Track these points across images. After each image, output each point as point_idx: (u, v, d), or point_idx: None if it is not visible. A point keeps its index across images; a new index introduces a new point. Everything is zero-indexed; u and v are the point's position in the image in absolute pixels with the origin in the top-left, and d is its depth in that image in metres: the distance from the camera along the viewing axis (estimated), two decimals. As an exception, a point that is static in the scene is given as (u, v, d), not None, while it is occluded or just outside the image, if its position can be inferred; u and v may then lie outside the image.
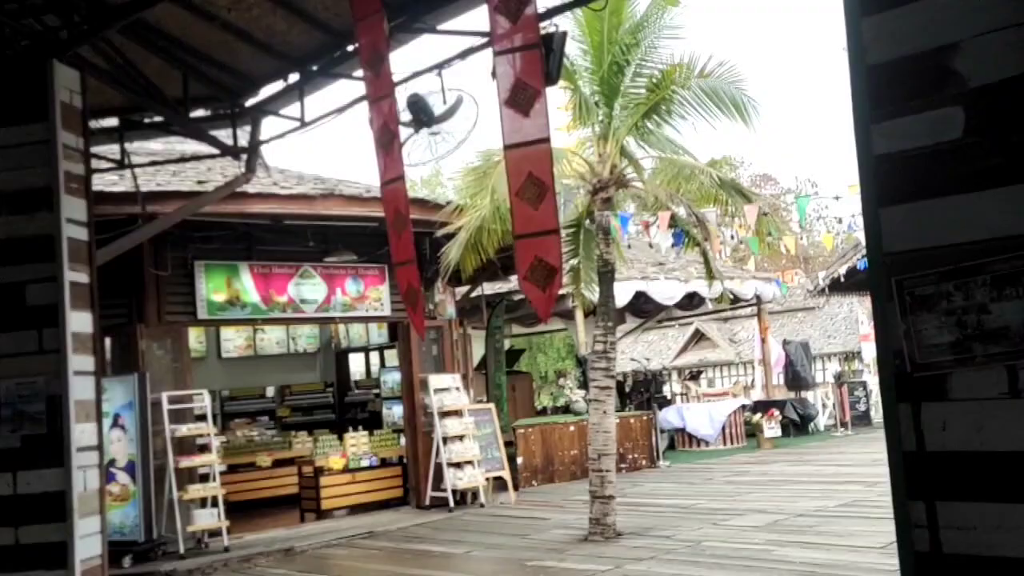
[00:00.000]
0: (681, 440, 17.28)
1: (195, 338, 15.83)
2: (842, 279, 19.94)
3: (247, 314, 10.60)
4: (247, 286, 10.58)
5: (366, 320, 12.53)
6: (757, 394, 25.48)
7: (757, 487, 11.26)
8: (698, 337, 39.51)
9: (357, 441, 11.50)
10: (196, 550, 9.40)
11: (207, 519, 9.27)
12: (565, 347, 33.34)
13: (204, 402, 9.73)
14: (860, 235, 12.14)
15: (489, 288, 17.51)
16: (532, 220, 4.64)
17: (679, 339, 39.98)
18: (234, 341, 16.37)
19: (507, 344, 22.22)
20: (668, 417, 17.26)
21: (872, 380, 24.94)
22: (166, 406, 9.37)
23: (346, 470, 11.32)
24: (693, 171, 8.70)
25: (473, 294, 16.93)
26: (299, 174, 11.40)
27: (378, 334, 15.79)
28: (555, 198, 5.02)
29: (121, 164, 7.76)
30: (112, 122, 7.65)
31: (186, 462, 9.32)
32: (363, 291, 11.56)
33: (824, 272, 20.52)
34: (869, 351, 33.74)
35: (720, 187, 8.77)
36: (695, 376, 23.06)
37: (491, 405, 12.44)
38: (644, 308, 20.79)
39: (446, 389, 11.64)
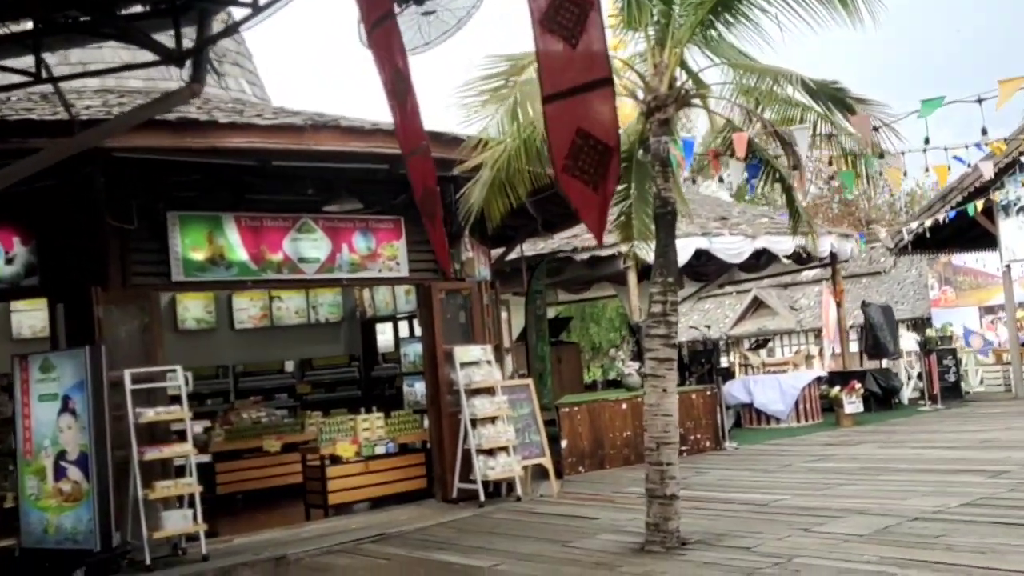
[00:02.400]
0: (748, 417, 15.34)
1: (203, 307, 14.39)
2: (927, 234, 17.72)
3: (233, 275, 8.91)
4: (233, 242, 8.89)
5: (379, 282, 10.81)
6: (819, 365, 23.36)
7: (848, 477, 9.32)
8: (756, 305, 37.44)
9: (371, 424, 9.81)
10: (170, 558, 7.80)
11: (178, 522, 7.66)
12: (619, 316, 31.35)
13: (178, 381, 8.09)
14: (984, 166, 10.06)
15: (530, 249, 15.71)
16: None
17: (736, 307, 37.94)
18: (248, 311, 14.81)
19: (551, 312, 20.44)
20: (733, 391, 15.32)
21: (962, 348, 22.63)
22: (129, 386, 7.75)
23: (358, 458, 9.64)
24: (777, 78, 6.72)
25: (511, 256, 15.14)
26: (293, 111, 9.64)
27: (406, 301, 14.07)
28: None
29: (37, 77, 6.06)
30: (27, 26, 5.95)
31: (153, 453, 7.69)
32: (375, 247, 9.81)
33: (906, 227, 18.28)
34: (940, 318, 31.38)
35: (814, 97, 6.78)
36: (762, 345, 21.01)
37: (529, 381, 10.65)
38: (704, 270, 18.81)
39: (475, 363, 9.87)
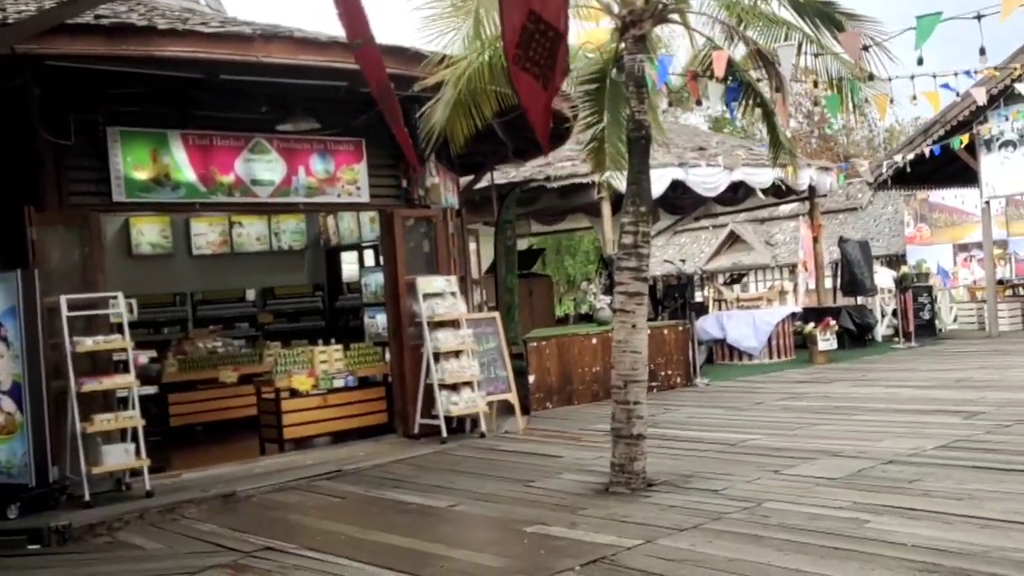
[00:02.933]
0: (720, 352, 15.11)
1: (159, 232, 13.82)
2: (908, 169, 17.35)
3: (180, 197, 8.37)
4: (180, 161, 8.33)
5: (337, 208, 10.32)
6: (792, 301, 23.19)
7: (821, 416, 9.08)
8: (732, 239, 37.26)
9: (329, 356, 9.41)
10: (113, 494, 7.43)
11: (119, 457, 7.26)
12: (595, 249, 30.99)
13: (120, 308, 7.60)
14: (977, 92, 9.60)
15: (501, 177, 15.20)
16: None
17: (712, 242, 37.77)
18: (207, 236, 14.25)
19: (524, 244, 20.01)
20: (706, 327, 15.05)
21: (939, 285, 22.53)
22: (65, 313, 7.26)
23: (315, 392, 9.26)
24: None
25: (481, 184, 14.63)
26: (245, 21, 8.98)
27: (371, 229, 13.55)
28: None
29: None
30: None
31: (92, 384, 7.25)
32: (334, 171, 9.28)
33: (887, 160, 17.91)
34: (915, 255, 31.32)
35: (800, 12, 6.28)
36: (736, 280, 20.72)
37: (495, 314, 10.26)
38: (680, 203, 18.41)
39: (438, 295, 9.46)
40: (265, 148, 8.85)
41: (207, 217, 13.93)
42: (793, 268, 27.26)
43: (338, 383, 9.33)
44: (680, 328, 12.69)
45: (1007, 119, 16.10)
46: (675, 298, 16.61)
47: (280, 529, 6.38)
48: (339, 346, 9.55)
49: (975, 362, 12.78)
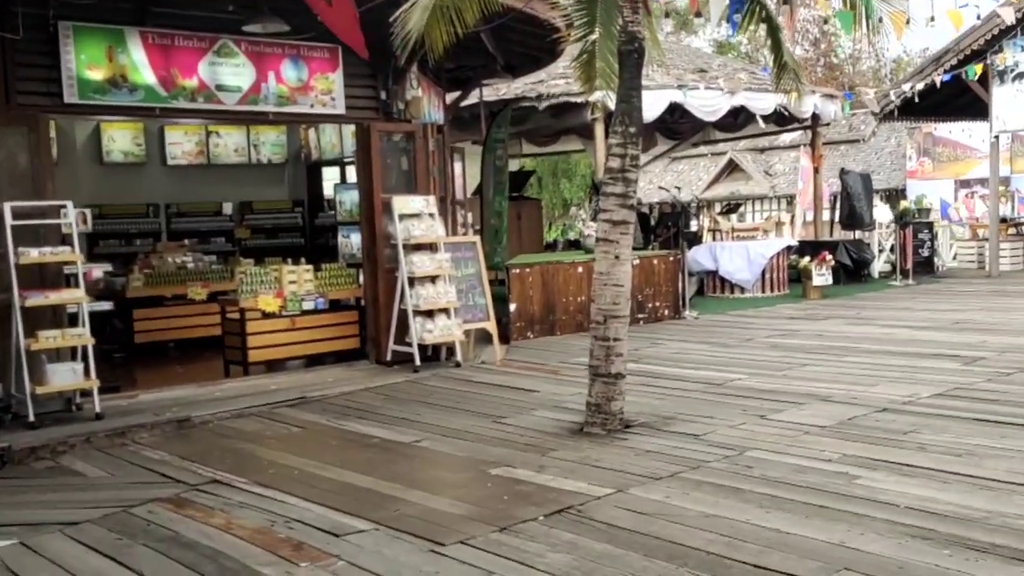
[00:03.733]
0: (712, 284, 14.68)
1: (131, 139, 13.24)
2: (916, 99, 16.68)
3: (138, 100, 7.77)
4: (138, 61, 7.72)
5: (310, 119, 9.72)
6: (790, 233, 22.71)
7: (812, 356, 8.67)
8: (731, 168, 36.63)
9: (298, 277, 8.93)
10: (61, 414, 7.04)
11: (66, 377, 6.83)
12: (591, 172, 30.26)
13: (70, 218, 7.08)
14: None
15: (492, 94, 14.52)
16: None
17: (711, 169, 37.12)
18: (182, 145, 13.67)
19: (515, 165, 19.38)
20: (698, 257, 14.59)
21: (939, 221, 22.02)
22: (9, 221, 6.75)
23: (282, 314, 8.82)
24: None
25: (469, 100, 13.97)
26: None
27: (354, 144, 12.94)
28: None
29: None
30: None
31: (37, 299, 6.78)
32: (307, 79, 8.67)
33: (894, 89, 17.20)
34: (915, 189, 30.76)
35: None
36: (733, 209, 20.20)
37: (476, 239, 9.76)
38: (678, 127, 17.75)
39: (416, 215, 8.94)
40: (232, 51, 8.22)
41: (182, 125, 13.31)
42: (791, 199, 26.71)
43: (307, 305, 8.89)
44: (671, 258, 12.22)
45: (1022, 49, 15.38)
46: (668, 227, 16.09)
47: (232, 460, 5.99)
48: (309, 266, 9.08)
49: (975, 303, 12.37)
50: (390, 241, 8.94)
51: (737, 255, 14.39)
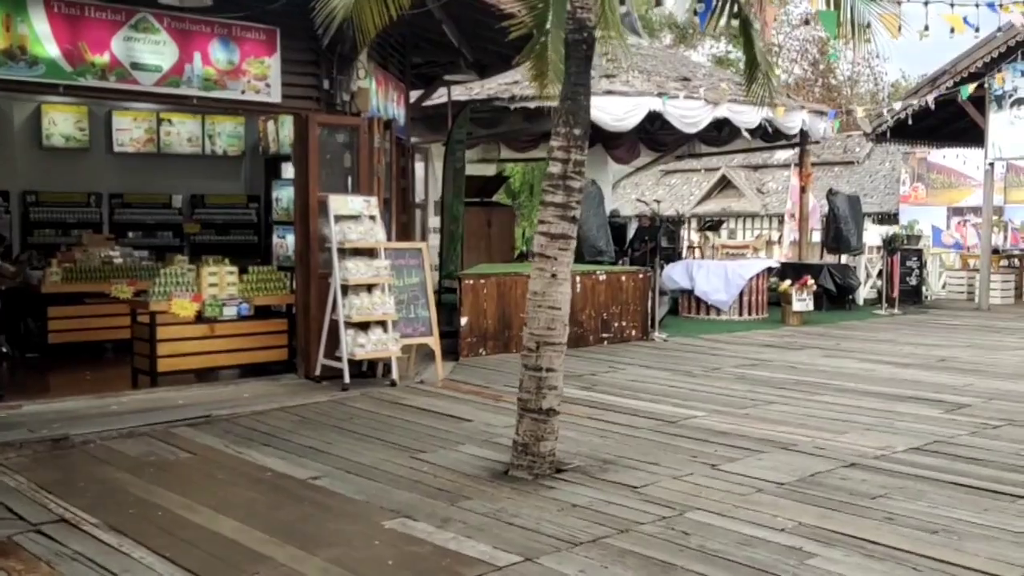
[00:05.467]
0: (687, 305, 13.90)
1: (74, 123, 12.40)
2: (909, 122, 15.98)
3: (38, 75, 6.93)
4: (40, 32, 6.89)
5: (240, 107, 8.86)
6: (780, 252, 22.00)
7: (781, 392, 7.88)
8: (723, 184, 36.10)
9: (220, 279, 8.10)
10: (-77, 427, 6.19)
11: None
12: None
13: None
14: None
15: (464, 94, 13.75)
16: None
17: (704, 185, 36.59)
18: (130, 132, 12.81)
19: (495, 170, 18.62)
20: (674, 275, 13.83)
21: (929, 249, 21.34)
22: None
23: (200, 319, 7.98)
24: None
25: (435, 99, 13.22)
26: None
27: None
28: None
29: None
30: None
31: None
32: (238, 62, 7.84)
33: (888, 109, 16.49)
34: (908, 214, 30.11)
35: None
36: (713, 227, 19.45)
37: (422, 245, 8.92)
38: (662, 138, 17.00)
39: (354, 217, 8.13)
40: (152, 26, 7.40)
41: (131, 111, 12.51)
42: (783, 218, 26.03)
43: (229, 311, 8.05)
44: (640, 275, 11.42)
45: (1023, 74, 14.68)
46: (644, 241, 15.30)
47: (95, 493, 5.15)
48: (233, 268, 8.23)
49: (962, 338, 11.61)
50: (325, 244, 8.13)
51: (714, 274, 13.62)
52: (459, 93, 13.70)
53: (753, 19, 5.84)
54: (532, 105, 13.18)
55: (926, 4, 6.92)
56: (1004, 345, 10.89)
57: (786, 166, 31.96)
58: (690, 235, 33.13)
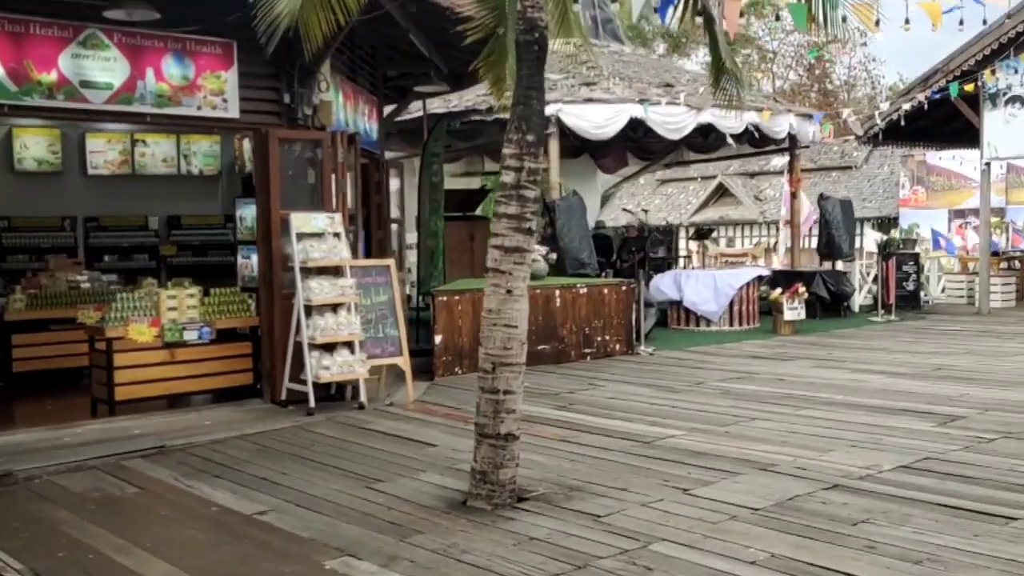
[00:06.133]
0: (676, 316, 13.56)
1: (46, 146, 12.13)
2: (902, 123, 15.66)
3: (-23, 96, 6.67)
4: (-21, 50, 6.62)
5: (196, 123, 8.57)
6: (777, 260, 21.69)
7: (766, 407, 7.54)
8: (721, 192, 35.92)
9: (180, 303, 7.78)
10: None
11: None
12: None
13: None
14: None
15: (442, 107, 13.48)
16: None
17: (701, 194, 36.39)
18: (104, 155, 12.53)
19: (480, 183, 18.35)
20: (662, 286, 13.50)
21: (926, 253, 21.01)
22: None
23: (161, 345, 7.67)
24: None
25: (409, 113, 12.95)
26: None
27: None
28: None
29: None
30: None
31: None
32: (193, 77, 7.56)
33: (879, 111, 16.18)
34: (908, 218, 29.76)
35: None
36: (704, 235, 19.16)
37: (390, 262, 8.61)
38: (649, 146, 16.72)
39: (317, 235, 7.83)
40: (102, 42, 7.12)
41: (105, 132, 12.24)
42: (780, 225, 25.73)
43: (190, 335, 7.73)
44: (623, 288, 11.09)
45: (1016, 71, 14.36)
46: (632, 252, 15.00)
47: (28, 535, 4.83)
48: (194, 290, 7.92)
49: (960, 345, 11.26)
50: (288, 263, 7.82)
51: (703, 285, 13.28)
52: (437, 105, 13.45)
53: (718, 16, 5.52)
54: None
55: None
56: (1004, 351, 10.54)
57: (783, 172, 31.71)
58: (687, 244, 32.87)
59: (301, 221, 7.75)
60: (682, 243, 32.37)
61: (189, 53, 7.52)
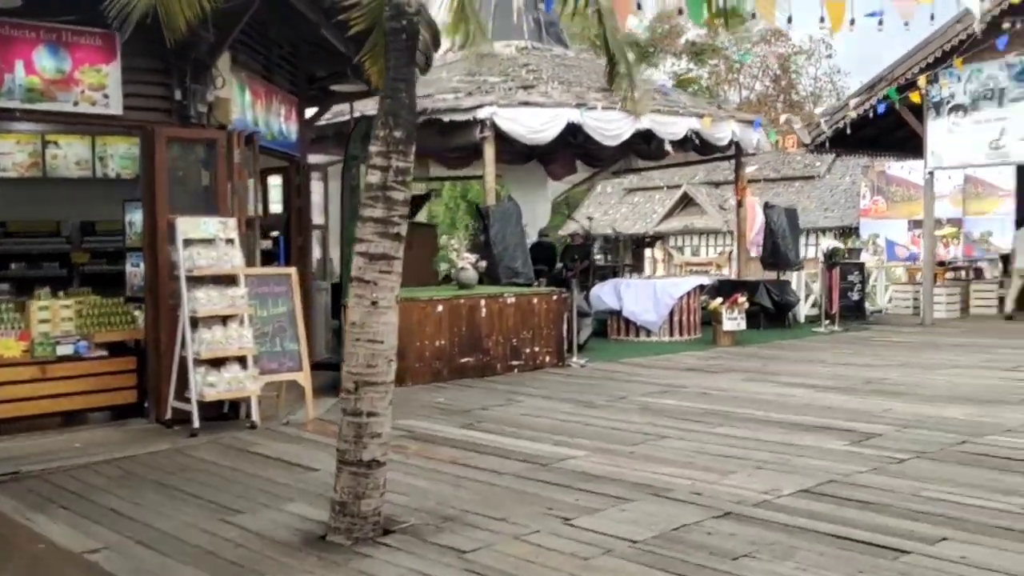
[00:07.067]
0: (616, 326, 13.17)
1: (-49, 147, 11.46)
2: (848, 131, 15.43)
3: None
4: None
5: (73, 120, 8.05)
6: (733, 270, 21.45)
7: (681, 424, 7.12)
8: (686, 202, 35.85)
9: (53, 314, 7.23)
10: None
11: None
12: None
13: None
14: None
15: (374, 109, 12.97)
16: None
17: (666, 203, 36.31)
18: (13, 156, 11.81)
19: (423, 188, 17.90)
20: (602, 295, 13.12)
21: (871, 261, 20.87)
22: None
23: (31, 360, 7.11)
24: None
25: (333, 116, 12.48)
26: None
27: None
28: None
29: None
30: None
31: None
32: (69, 70, 7.05)
33: (827, 118, 15.93)
34: (868, 228, 29.71)
35: None
36: (650, 243, 18.79)
37: (291, 271, 8.10)
38: (596, 152, 16.33)
39: (207, 241, 7.31)
40: (-38, 31, 6.59)
41: (14, 133, 11.61)
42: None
43: (65, 350, 7.18)
44: (555, 297, 10.67)
45: (960, 79, 14.15)
46: (574, 260, 14.60)
47: None
48: (69, 301, 7.38)
49: (898, 356, 10.94)
50: (175, 272, 7.30)
51: (643, 294, 12.91)
52: (370, 107, 12.96)
53: (609, 11, 5.12)
54: (445, 119, 12.51)
55: (820, -8, 6.22)
56: (938, 363, 10.22)
57: (750, 181, 31.66)
58: (653, 252, 32.60)
59: (189, 226, 7.24)
60: (647, 251, 32.20)
61: (65, 44, 7.01)
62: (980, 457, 5.85)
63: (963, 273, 17.74)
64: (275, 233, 10.32)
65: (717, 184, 35.14)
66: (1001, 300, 15.68)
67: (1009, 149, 14.04)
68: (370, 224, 4.70)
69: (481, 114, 12.06)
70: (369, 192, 4.74)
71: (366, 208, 4.75)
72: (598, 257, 14.51)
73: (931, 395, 8.14)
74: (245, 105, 8.56)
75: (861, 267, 15.68)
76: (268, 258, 10.12)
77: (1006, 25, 12.45)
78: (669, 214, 35.57)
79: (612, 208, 38.88)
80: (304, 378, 7.79)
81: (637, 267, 26.20)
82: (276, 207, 11.41)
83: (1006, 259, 16.76)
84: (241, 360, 7.24)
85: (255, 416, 7.32)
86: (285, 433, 7.22)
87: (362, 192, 4.89)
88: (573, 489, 5.34)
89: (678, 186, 35.02)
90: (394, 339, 4.78)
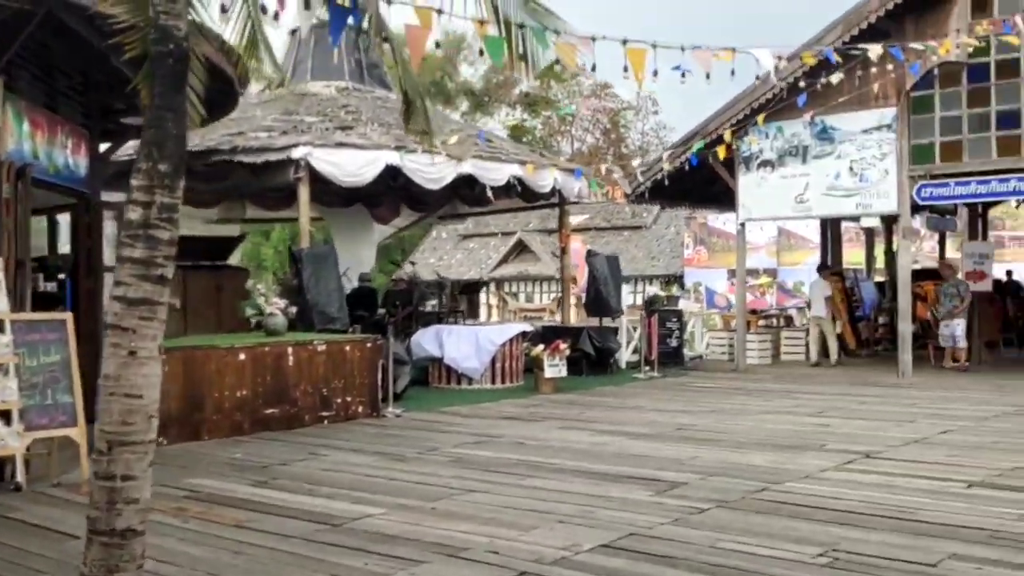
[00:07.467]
0: (437, 374, 12.90)
1: None
2: (666, 182, 15.92)
3: None
4: None
5: None
6: (575, 315, 21.69)
7: (491, 477, 6.88)
8: (520, 248, 36.37)
9: None
10: None
11: None
12: (322, 241, 28.45)
13: None
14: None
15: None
16: None
17: (501, 249, 36.74)
18: None
19: (238, 230, 17.17)
20: (423, 342, 12.83)
21: (693, 309, 21.59)
22: None
23: None
24: None
25: (125, 151, 11.71)
26: None
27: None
28: None
29: None
30: None
31: None
32: None
33: (645, 170, 16.40)
34: (692, 277, 30.98)
35: None
36: (472, 289, 18.74)
37: (66, 316, 7.39)
38: (421, 196, 16.13)
39: (-33, 282, 6.55)
40: None
41: None
42: (575, 280, 26.01)
43: None
44: (368, 344, 10.29)
45: (767, 136, 14.90)
46: (396, 306, 14.27)
47: None
48: None
49: (710, 402, 11.18)
50: (-73, 318, 6.48)
51: (465, 341, 12.71)
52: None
53: (400, 45, 4.91)
54: (259, 160, 12.00)
55: (624, 43, 6.27)
56: (747, 409, 10.49)
57: (581, 230, 32.49)
58: (488, 298, 32.66)
59: (-57, 266, 6.46)
60: (483, 297, 32.25)
61: None
62: (778, 505, 5.89)
63: (774, 321, 18.57)
64: (62, 276, 9.51)
65: (550, 232, 35.95)
66: (807, 346, 16.45)
67: (812, 203, 14.84)
68: (128, 265, 4.22)
69: (295, 154, 11.64)
70: (128, 230, 4.27)
71: (124, 248, 4.27)
72: (430, 303, 14.17)
73: (738, 441, 8.26)
74: (23, 135, 7.85)
75: (680, 314, 16.12)
76: (52, 302, 9.30)
77: (803, 84, 13.18)
78: (504, 260, 35.98)
79: (447, 254, 38.93)
80: (79, 434, 7.05)
81: (472, 313, 26.18)
82: (67, 247, 10.56)
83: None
84: (4, 415, 6.49)
85: (20, 477, 6.55)
86: (53, 496, 6.48)
87: (122, 231, 4.41)
88: (363, 553, 4.96)
89: (513, 233, 35.53)
90: (155, 393, 4.29)
